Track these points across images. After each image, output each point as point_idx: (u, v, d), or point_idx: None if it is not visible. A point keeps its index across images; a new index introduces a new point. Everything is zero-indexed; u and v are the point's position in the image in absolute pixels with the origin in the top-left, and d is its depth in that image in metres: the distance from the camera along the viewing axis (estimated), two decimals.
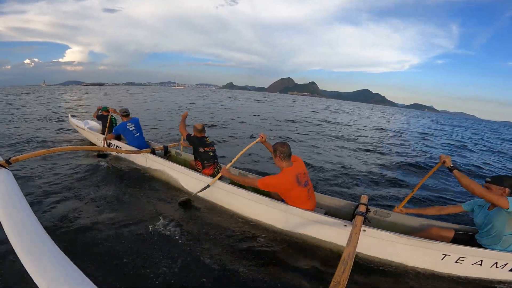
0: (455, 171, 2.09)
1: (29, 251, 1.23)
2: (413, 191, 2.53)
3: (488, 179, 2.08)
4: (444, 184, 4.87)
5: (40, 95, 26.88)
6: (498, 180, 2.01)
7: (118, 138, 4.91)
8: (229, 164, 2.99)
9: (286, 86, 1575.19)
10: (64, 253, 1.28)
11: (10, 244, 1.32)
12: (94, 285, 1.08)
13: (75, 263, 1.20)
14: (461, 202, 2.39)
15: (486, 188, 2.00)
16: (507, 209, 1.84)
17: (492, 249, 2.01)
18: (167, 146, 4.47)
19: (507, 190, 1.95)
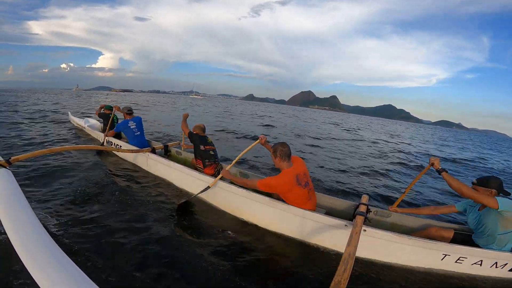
0: (443, 174, 2.08)
1: (30, 251, 1.23)
2: (404, 192, 2.57)
3: (474, 181, 2.08)
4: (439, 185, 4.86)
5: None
6: (484, 182, 2.01)
7: (118, 136, 4.90)
8: (230, 166, 3.00)
9: (306, 99, 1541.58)
10: (65, 252, 1.28)
11: (11, 244, 1.32)
12: (95, 285, 1.08)
13: (75, 262, 1.20)
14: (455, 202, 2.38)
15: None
16: (497, 209, 1.84)
17: (488, 249, 2.01)
18: (167, 145, 4.46)
19: (494, 191, 1.95)
